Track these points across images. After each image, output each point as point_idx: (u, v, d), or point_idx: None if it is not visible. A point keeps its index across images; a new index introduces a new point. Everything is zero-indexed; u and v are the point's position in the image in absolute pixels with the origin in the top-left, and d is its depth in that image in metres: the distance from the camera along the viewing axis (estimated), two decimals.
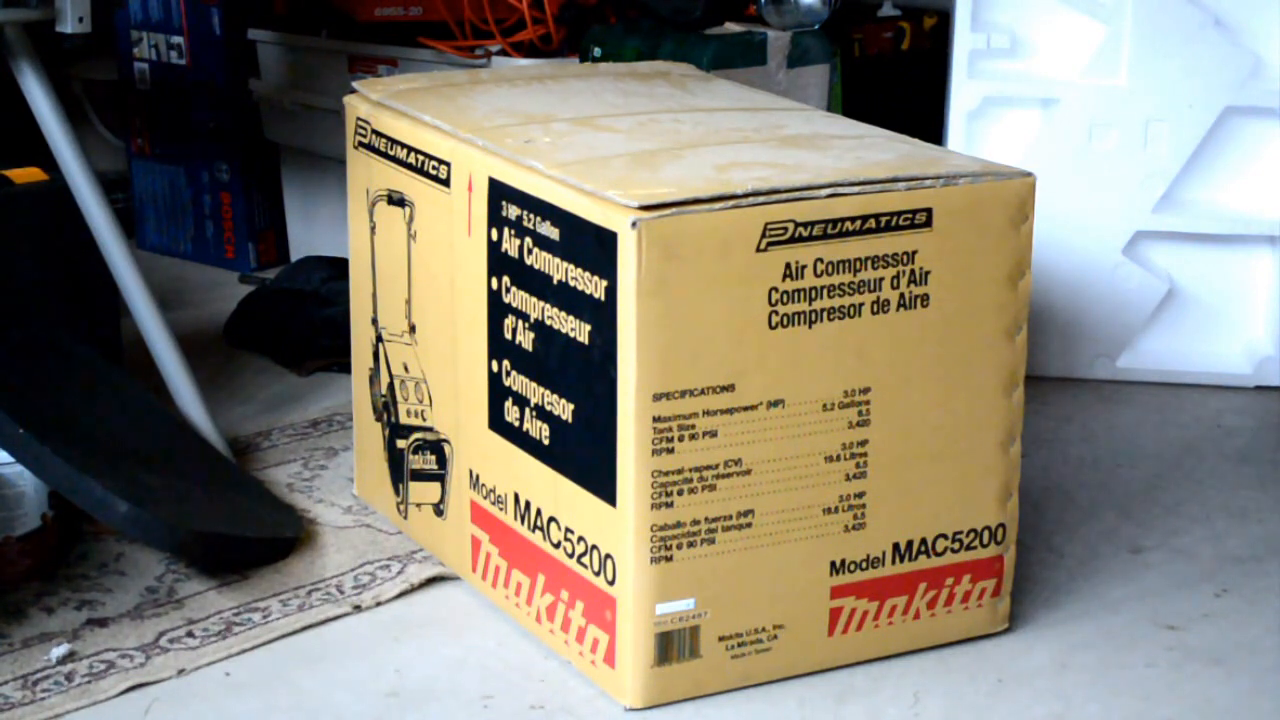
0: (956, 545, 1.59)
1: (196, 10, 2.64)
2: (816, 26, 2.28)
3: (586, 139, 1.61)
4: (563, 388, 1.52)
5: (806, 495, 1.52)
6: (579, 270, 1.48)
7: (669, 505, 1.47)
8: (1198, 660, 1.61)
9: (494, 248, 1.58)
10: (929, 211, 1.51)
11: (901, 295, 1.51)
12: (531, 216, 1.53)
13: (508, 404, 1.59)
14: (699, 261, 1.44)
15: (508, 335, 1.58)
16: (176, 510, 1.68)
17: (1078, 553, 1.81)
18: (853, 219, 1.48)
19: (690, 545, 1.49)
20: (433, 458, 1.73)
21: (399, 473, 1.78)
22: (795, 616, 1.54)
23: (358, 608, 1.67)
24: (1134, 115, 2.22)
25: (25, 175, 2.01)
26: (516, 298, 1.56)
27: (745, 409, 1.48)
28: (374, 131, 1.75)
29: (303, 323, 2.28)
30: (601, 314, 1.46)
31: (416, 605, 1.69)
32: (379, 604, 1.68)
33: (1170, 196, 2.24)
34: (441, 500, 1.73)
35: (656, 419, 1.45)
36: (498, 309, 1.59)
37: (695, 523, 1.49)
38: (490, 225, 1.59)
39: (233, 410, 2.12)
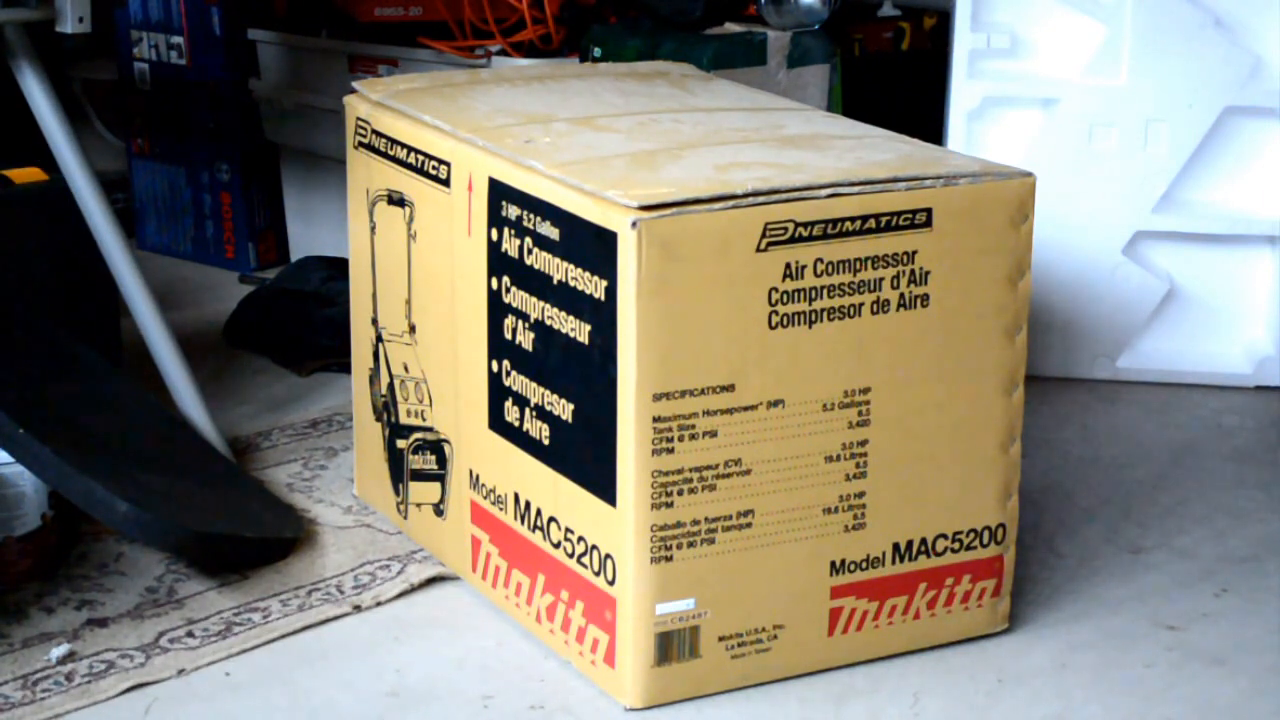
0: (956, 545, 1.59)
1: (196, 10, 2.64)
2: (816, 26, 2.28)
3: (586, 139, 1.61)
4: (563, 388, 1.52)
5: (806, 495, 1.52)
6: (579, 270, 1.48)
7: (669, 505, 1.47)
8: (1198, 660, 1.61)
9: (494, 248, 1.58)
10: (929, 211, 1.51)
11: (901, 295, 1.51)
12: (531, 216, 1.53)
13: (508, 404, 1.59)
14: (699, 261, 1.44)
15: (508, 335, 1.58)
16: (176, 510, 1.68)
17: (1078, 553, 1.81)
18: (853, 219, 1.48)
19: (690, 545, 1.49)
20: (433, 458, 1.73)
21: (399, 473, 1.78)
22: (795, 616, 1.54)
23: (358, 608, 1.67)
24: (1134, 115, 2.22)
25: (25, 175, 2.01)
26: (516, 298, 1.56)
27: (745, 409, 1.48)
28: (374, 131, 1.75)
29: (303, 323, 2.28)
30: (601, 314, 1.46)
31: (416, 605, 1.69)
32: (379, 604, 1.68)
33: (1170, 196, 2.24)
34: (441, 500, 1.73)
35: (656, 419, 1.45)
36: (498, 309, 1.59)
37: (695, 523, 1.49)
38: (490, 225, 1.59)
39: (233, 410, 2.12)
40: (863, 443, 1.53)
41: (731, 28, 2.26)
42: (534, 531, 1.59)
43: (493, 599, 1.67)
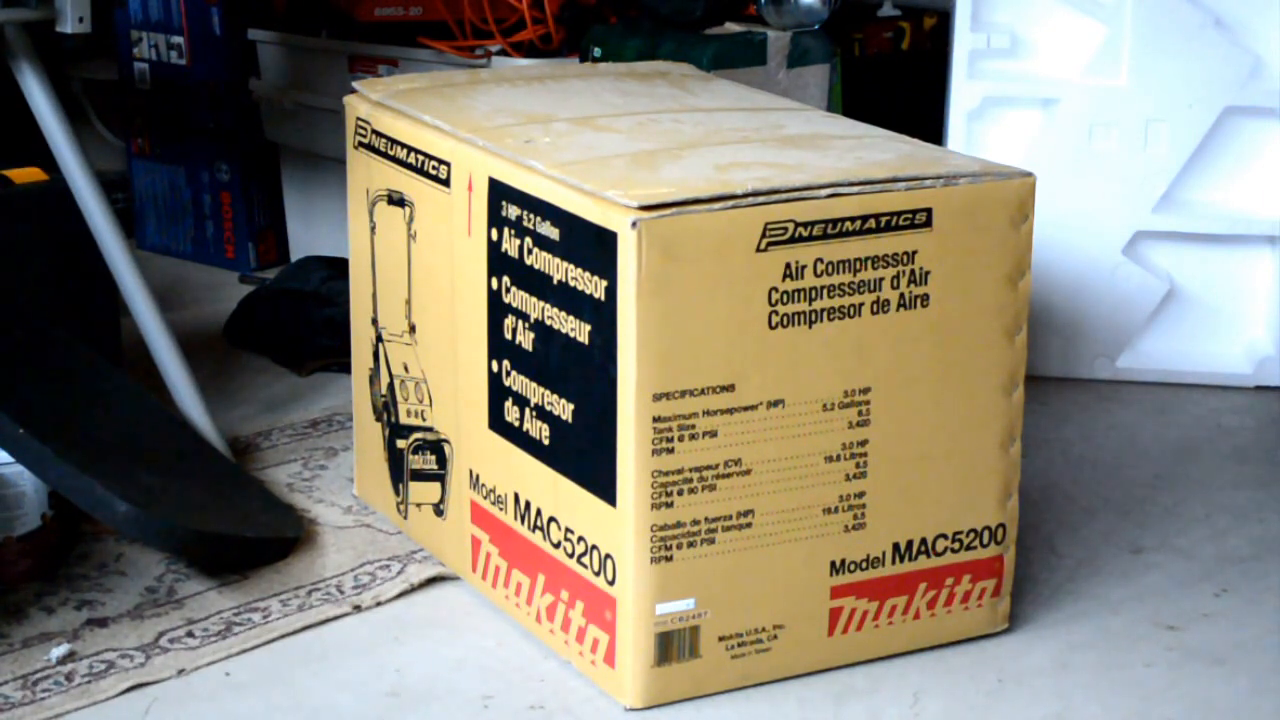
0: (956, 545, 1.59)
1: (196, 10, 2.64)
2: (816, 26, 2.28)
3: (586, 139, 1.61)
4: (563, 388, 1.52)
5: (806, 495, 1.52)
6: (579, 270, 1.48)
7: (669, 505, 1.47)
8: (1198, 660, 1.61)
9: (494, 248, 1.58)
10: (929, 211, 1.51)
11: (901, 295, 1.51)
12: (531, 216, 1.53)
13: (508, 404, 1.59)
14: (699, 261, 1.44)
15: (508, 335, 1.58)
16: (176, 510, 1.68)
17: (1078, 553, 1.81)
18: (853, 219, 1.48)
19: (690, 545, 1.49)
20: (433, 458, 1.73)
21: (399, 473, 1.78)
22: (795, 616, 1.54)
23: (358, 608, 1.67)
24: (1134, 115, 2.22)
25: (25, 175, 2.01)
26: (516, 298, 1.56)
27: (745, 409, 1.48)
28: (374, 131, 1.75)
29: (303, 323, 2.28)
30: (601, 314, 1.46)
31: (416, 605, 1.69)
32: (379, 604, 1.68)
33: (1170, 196, 2.24)
34: (441, 500, 1.73)
35: (656, 419, 1.45)
36: (498, 309, 1.59)
37: (695, 523, 1.49)
38: (490, 225, 1.59)
39: (233, 410, 2.12)
40: (863, 443, 1.53)
41: (731, 28, 2.26)
42: (534, 531, 1.59)
43: (493, 599, 1.67)
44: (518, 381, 1.58)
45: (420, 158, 1.68)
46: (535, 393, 1.55)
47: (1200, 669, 1.60)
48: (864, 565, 1.56)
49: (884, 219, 1.49)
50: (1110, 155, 2.23)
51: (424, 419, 1.73)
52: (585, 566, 1.53)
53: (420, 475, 1.75)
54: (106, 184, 2.07)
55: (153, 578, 1.72)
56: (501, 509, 1.63)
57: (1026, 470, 1.86)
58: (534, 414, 1.56)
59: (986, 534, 1.60)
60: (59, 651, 1.57)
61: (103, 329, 2.05)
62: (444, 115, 1.68)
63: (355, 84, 1.83)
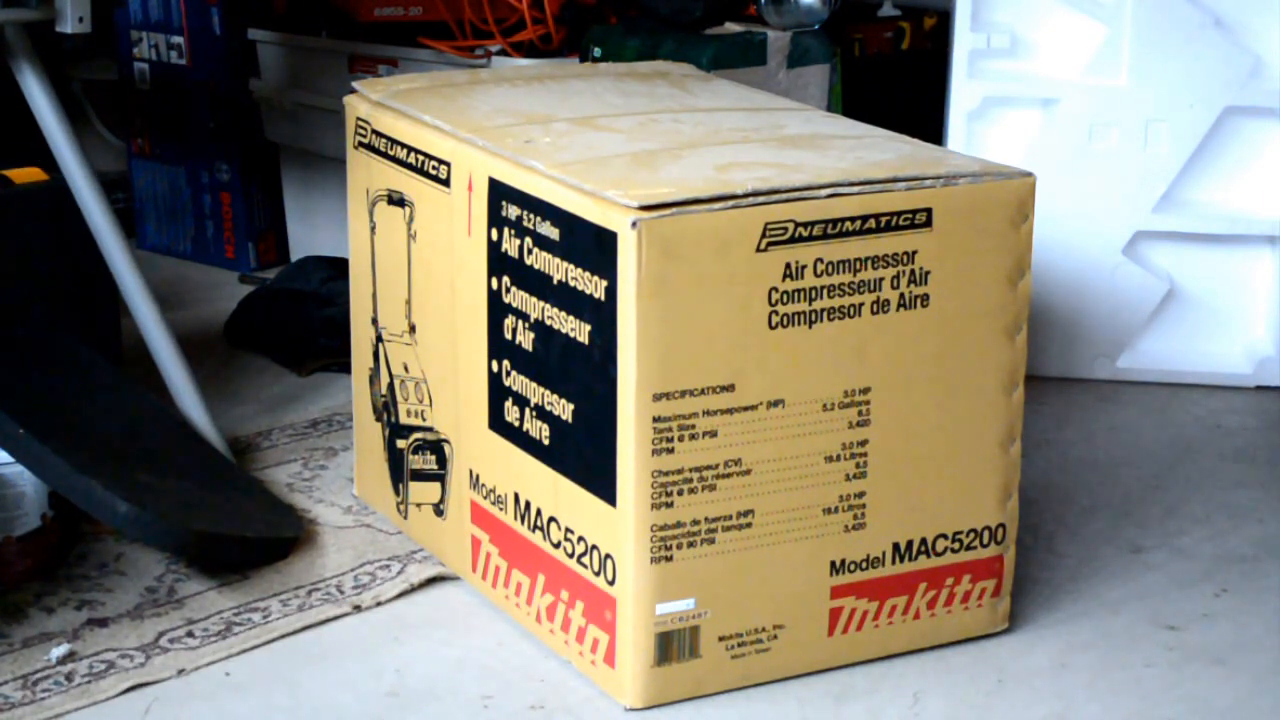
0: (956, 545, 1.59)
1: (196, 10, 2.64)
2: (816, 26, 2.28)
3: (586, 139, 1.61)
4: (563, 388, 1.52)
5: (806, 495, 1.52)
6: (579, 270, 1.48)
7: (669, 505, 1.47)
8: (1198, 660, 1.61)
9: (494, 248, 1.59)
10: (929, 211, 1.51)
11: (901, 295, 1.51)
12: (531, 216, 1.53)
13: (508, 404, 1.59)
14: (699, 261, 1.44)
15: (508, 335, 1.58)
16: (176, 510, 1.68)
17: (1078, 553, 1.81)
18: (853, 219, 1.48)
19: (690, 545, 1.49)
20: (433, 458, 1.73)
21: (399, 473, 1.78)
22: (795, 616, 1.54)
23: (358, 608, 1.67)
24: (1134, 115, 2.22)
25: (25, 175, 2.01)
26: (516, 298, 1.56)
27: (745, 409, 1.48)
28: (374, 131, 1.75)
29: (303, 323, 2.28)
30: (601, 314, 1.46)
31: (416, 605, 1.69)
32: (379, 604, 1.68)
33: (1170, 196, 2.24)
34: (441, 500, 1.73)
35: (656, 419, 1.45)
36: (498, 309, 1.59)
37: (695, 523, 1.49)
38: (490, 225, 1.59)
39: (233, 410, 2.12)
40: (863, 443, 1.53)
41: (731, 28, 2.26)
42: (534, 531, 1.59)
43: (493, 599, 1.67)
44: (518, 381, 1.58)
45: (420, 158, 1.68)
46: (535, 393, 1.55)
47: (1200, 669, 1.60)
48: (864, 565, 1.56)
49: (884, 219, 1.49)
50: (1110, 155, 2.23)
51: (424, 419, 1.73)
52: (585, 566, 1.53)
53: (420, 475, 1.75)
54: (106, 184, 2.07)
55: (153, 578, 1.72)
56: (501, 509, 1.63)
57: (1026, 470, 1.86)
58: (534, 414, 1.56)
59: (986, 534, 1.60)
60: (59, 651, 1.57)
61: (103, 329, 2.05)
62: (444, 115, 1.68)
63: (355, 84, 1.83)
